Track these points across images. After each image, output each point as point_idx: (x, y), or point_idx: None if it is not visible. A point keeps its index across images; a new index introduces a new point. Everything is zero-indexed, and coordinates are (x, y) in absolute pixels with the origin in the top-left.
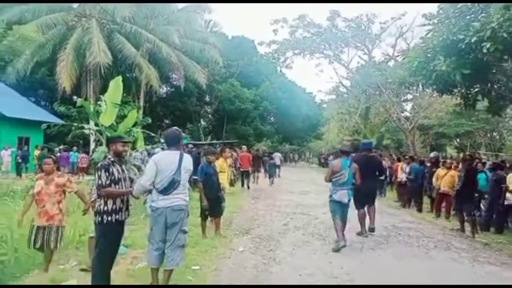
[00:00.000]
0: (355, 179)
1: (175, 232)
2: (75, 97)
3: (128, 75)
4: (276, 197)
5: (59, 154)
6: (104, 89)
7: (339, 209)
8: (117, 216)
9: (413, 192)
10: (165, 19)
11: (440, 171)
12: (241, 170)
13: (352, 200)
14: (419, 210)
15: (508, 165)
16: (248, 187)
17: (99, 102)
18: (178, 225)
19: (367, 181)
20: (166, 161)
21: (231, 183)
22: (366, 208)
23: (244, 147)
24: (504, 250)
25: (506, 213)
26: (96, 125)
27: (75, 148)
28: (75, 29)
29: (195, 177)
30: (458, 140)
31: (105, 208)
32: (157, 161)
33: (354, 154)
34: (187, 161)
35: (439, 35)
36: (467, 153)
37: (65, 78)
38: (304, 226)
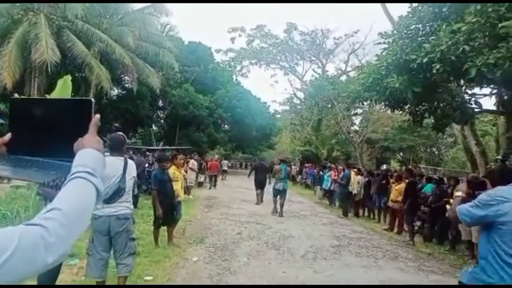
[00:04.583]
0: (288, 175)
1: (124, 240)
2: (16, 95)
3: (77, 74)
4: (230, 205)
5: None
6: (50, 88)
7: (276, 193)
8: None
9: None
10: (120, 19)
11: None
12: (210, 174)
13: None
14: (344, 214)
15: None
16: (215, 186)
17: None
18: (124, 233)
19: (261, 175)
20: (110, 168)
21: (185, 192)
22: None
23: (216, 156)
24: (446, 260)
25: (448, 226)
26: None
27: None
28: (21, 23)
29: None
30: (401, 154)
31: None
32: None
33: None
34: (132, 167)
35: (393, 53)
36: (409, 167)
37: (6, 75)
38: (258, 235)
